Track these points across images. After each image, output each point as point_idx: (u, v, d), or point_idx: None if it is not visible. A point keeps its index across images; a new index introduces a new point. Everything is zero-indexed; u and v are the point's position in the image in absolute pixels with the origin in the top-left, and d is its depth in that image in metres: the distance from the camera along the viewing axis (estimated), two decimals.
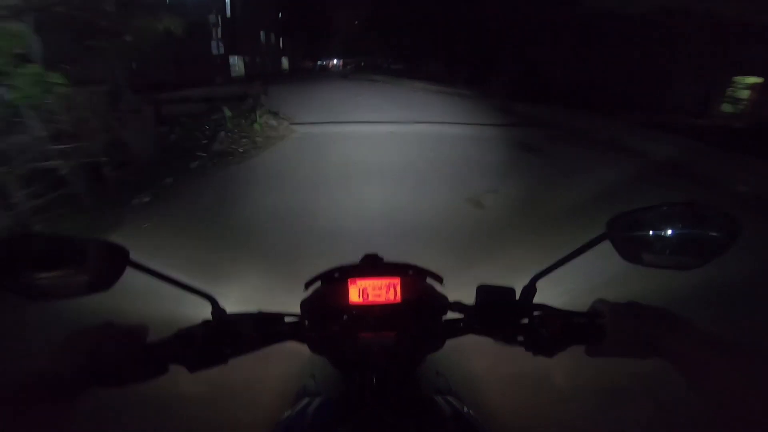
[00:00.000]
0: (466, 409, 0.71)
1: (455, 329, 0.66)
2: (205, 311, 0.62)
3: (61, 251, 0.53)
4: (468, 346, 0.76)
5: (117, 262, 0.55)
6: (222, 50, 18.64)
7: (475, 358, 1.81)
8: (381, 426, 0.56)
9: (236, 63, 35.51)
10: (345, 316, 0.66)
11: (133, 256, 0.55)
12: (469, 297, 0.66)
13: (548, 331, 0.61)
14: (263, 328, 0.64)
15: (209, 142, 6.12)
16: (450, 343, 0.66)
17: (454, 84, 18.31)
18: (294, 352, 0.73)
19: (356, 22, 43.28)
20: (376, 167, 5.41)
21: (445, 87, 17.65)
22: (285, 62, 50.37)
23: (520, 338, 0.62)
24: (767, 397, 0.41)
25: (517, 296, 0.64)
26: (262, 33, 40.97)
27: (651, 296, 0.70)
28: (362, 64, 52.26)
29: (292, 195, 4.34)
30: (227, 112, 7.40)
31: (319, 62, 59.75)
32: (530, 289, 0.63)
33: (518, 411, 1.72)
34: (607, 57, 13.02)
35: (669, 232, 0.55)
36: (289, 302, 0.69)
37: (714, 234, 0.54)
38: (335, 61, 61.75)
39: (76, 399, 0.47)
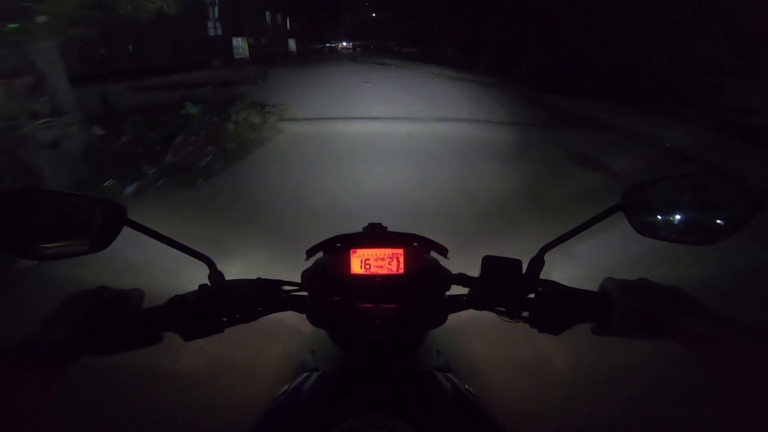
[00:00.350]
0: (466, 386, 0.69)
1: (458, 303, 0.65)
2: (202, 278, 0.59)
3: (58, 208, 0.53)
4: (470, 325, 0.75)
5: (114, 220, 0.54)
6: (220, 31, 16.76)
7: (477, 337, 1.75)
8: (380, 402, 0.54)
9: (240, 45, 33.69)
10: (346, 287, 0.64)
11: (130, 215, 0.53)
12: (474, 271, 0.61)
13: (554, 307, 0.58)
14: (262, 295, 0.63)
15: (163, 149, 4.53)
16: (452, 322, 0.65)
17: (474, 70, 16.53)
18: (293, 328, 0.69)
19: (366, 3, 40.55)
20: (391, 203, 3.59)
21: (465, 73, 15.87)
22: (292, 44, 48.16)
23: (525, 314, 0.60)
24: None
25: (524, 269, 0.61)
26: (267, 13, 38.86)
27: (663, 273, 0.66)
28: (372, 46, 49.79)
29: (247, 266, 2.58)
30: (191, 109, 5.76)
31: (327, 44, 57.15)
32: (538, 262, 0.61)
33: (520, 390, 1.69)
34: (660, 40, 10.97)
35: (686, 205, 0.54)
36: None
37: (732, 209, 0.51)
38: (345, 44, 59.14)
39: (68, 365, 0.47)
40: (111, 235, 0.54)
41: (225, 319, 0.60)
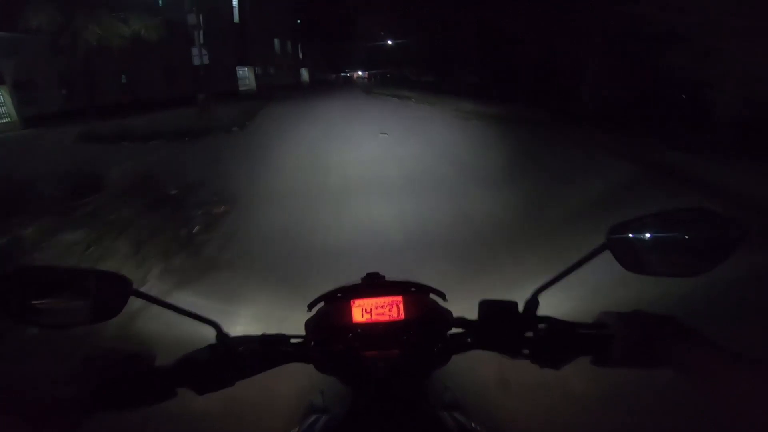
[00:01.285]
0: (473, 425, 0.70)
1: (461, 344, 0.66)
2: (209, 334, 0.62)
3: (63, 282, 0.56)
4: (475, 359, 0.71)
5: (120, 291, 0.57)
6: (207, 60, 13.43)
7: (482, 370, 1.76)
8: None
9: (246, 75, 31.16)
10: (350, 335, 0.67)
11: (136, 285, 0.56)
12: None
13: (554, 343, 0.60)
14: (268, 351, 0.66)
15: None
16: (456, 356, 0.66)
17: (507, 102, 13.20)
18: (302, 369, 0.69)
19: (381, 33, 37.85)
20: None
21: (499, 108, 12.38)
22: (305, 74, 45.55)
23: (526, 351, 0.62)
24: None
25: (521, 309, 0.63)
26: (276, 41, 36.29)
27: (657, 302, 0.73)
28: (388, 75, 46.99)
29: None
30: None
31: (342, 74, 54.85)
32: (533, 302, 0.63)
33: (526, 422, 1.73)
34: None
35: (670, 238, 0.56)
36: None
37: (717, 239, 0.54)
38: (360, 73, 56.38)
39: (83, 423, 0.48)
40: (118, 305, 0.57)
41: (234, 374, 0.62)
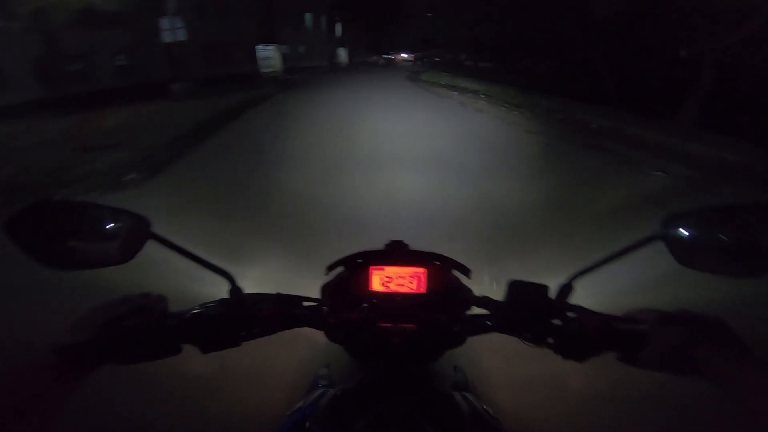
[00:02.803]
0: (484, 407, 0.72)
1: (480, 326, 0.67)
2: (223, 288, 0.64)
3: (83, 219, 0.58)
4: (488, 343, 0.75)
5: (138, 233, 0.58)
6: (181, 35, 8.53)
7: (496, 355, 1.71)
8: (396, 422, 0.57)
9: (270, 56, 26.60)
10: (366, 305, 0.67)
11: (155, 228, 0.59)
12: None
13: (582, 334, 0.59)
14: (281, 311, 0.66)
15: None
16: (471, 338, 0.68)
17: (607, 102, 10.17)
18: (309, 339, 0.70)
19: (431, 7, 31.95)
20: None
21: (609, 118, 8.39)
22: (344, 54, 40.24)
23: (550, 340, 0.62)
24: None
25: (552, 294, 0.64)
26: (307, 16, 31.11)
27: (707, 304, 0.71)
28: (437, 59, 40.70)
29: None
30: None
31: (384, 55, 48.96)
32: (566, 288, 0.62)
33: (539, 413, 1.72)
34: None
35: (729, 235, 0.54)
36: None
37: None
38: (404, 55, 50.59)
39: (88, 373, 0.52)
40: (135, 247, 0.58)
41: (243, 333, 0.64)
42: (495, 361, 1.71)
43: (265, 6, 25.38)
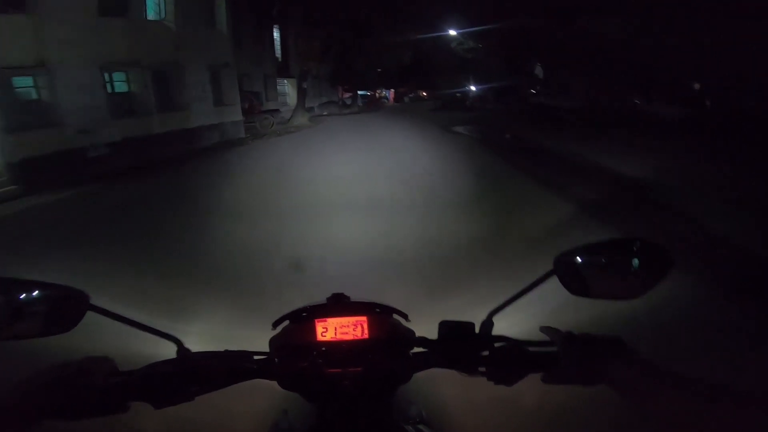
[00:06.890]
0: None
1: (421, 363, 0.73)
2: (172, 347, 0.66)
3: (20, 294, 0.58)
4: (436, 375, 0.76)
5: (77, 306, 0.60)
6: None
7: (444, 386, 1.74)
8: None
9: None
10: (314, 353, 0.71)
11: (94, 300, 0.60)
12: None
13: (506, 361, 0.68)
14: (231, 367, 0.69)
15: None
16: (419, 374, 0.73)
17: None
18: (265, 389, 0.72)
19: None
20: None
21: None
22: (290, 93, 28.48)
23: (482, 369, 0.69)
24: (704, 424, 0.45)
25: (477, 330, 0.72)
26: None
27: (602, 323, 0.84)
28: (424, 94, 40.09)
29: None
30: None
31: (361, 92, 35.25)
32: (488, 323, 0.70)
33: None
34: None
35: (611, 266, 0.64)
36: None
37: (650, 266, 0.63)
38: (385, 92, 40.53)
39: (30, 428, 0.52)
40: (75, 319, 0.60)
41: (195, 388, 0.65)
42: (445, 390, 1.75)
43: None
